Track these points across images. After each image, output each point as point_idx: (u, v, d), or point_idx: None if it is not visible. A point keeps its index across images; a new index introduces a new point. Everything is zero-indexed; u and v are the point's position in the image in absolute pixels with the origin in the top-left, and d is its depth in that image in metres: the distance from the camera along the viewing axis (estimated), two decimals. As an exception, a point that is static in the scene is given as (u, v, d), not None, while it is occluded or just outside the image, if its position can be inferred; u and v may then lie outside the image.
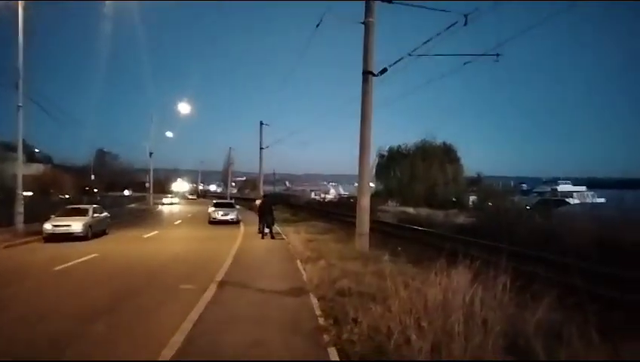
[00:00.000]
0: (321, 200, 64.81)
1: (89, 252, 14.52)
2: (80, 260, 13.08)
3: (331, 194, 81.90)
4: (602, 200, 34.54)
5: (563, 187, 57.37)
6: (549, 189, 59.17)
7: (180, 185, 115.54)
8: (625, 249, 11.75)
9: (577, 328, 4.15)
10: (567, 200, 43.94)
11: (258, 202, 23.51)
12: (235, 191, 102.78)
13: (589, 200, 43.29)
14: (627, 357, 3.76)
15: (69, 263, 12.48)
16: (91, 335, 6.08)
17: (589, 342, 3.96)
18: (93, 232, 19.31)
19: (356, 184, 15.01)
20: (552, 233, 15.22)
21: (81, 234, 18.20)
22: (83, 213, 19.83)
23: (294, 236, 18.14)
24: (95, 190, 57.52)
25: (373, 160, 46.74)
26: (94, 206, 21.78)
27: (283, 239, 18.62)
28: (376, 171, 49.99)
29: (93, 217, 19.89)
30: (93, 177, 61.06)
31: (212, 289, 8.76)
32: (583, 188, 55.94)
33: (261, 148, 42.30)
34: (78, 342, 5.80)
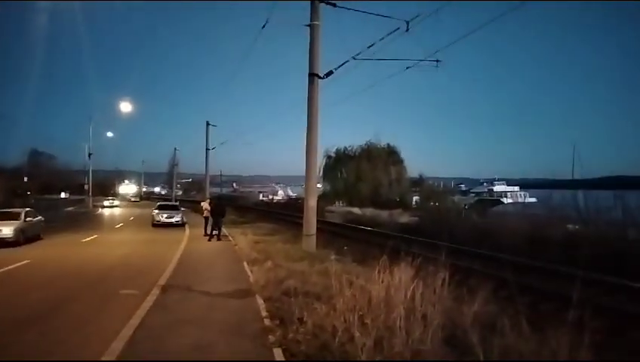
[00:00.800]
0: (269, 201, 64.56)
1: (21, 258, 13.67)
2: (10, 267, 12.29)
3: (279, 196, 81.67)
4: (534, 199, 36.83)
5: (498, 187, 60.55)
6: (485, 190, 62.22)
7: (127, 188, 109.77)
8: (552, 244, 12.59)
9: (510, 319, 4.41)
10: (502, 199, 46.45)
11: (204, 204, 23.06)
12: (180, 192, 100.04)
13: (521, 199, 45.99)
14: (554, 345, 4.03)
15: (-2, 270, 11.71)
16: (21, 345, 5.76)
17: (521, 332, 4.22)
18: (26, 237, 18.25)
19: (304, 185, 15.10)
20: (487, 231, 16.02)
21: (12, 240, 17.14)
22: (14, 216, 18.66)
23: (241, 238, 18.01)
24: (28, 193, 54.07)
25: (320, 161, 47.16)
26: (27, 209, 20.57)
27: (229, 241, 18.41)
28: (323, 172, 50.48)
29: (25, 221, 18.79)
30: (26, 179, 57.32)
31: (155, 293, 8.53)
32: (517, 188, 59.33)
33: (207, 149, 41.49)
34: (7, 352, 5.48)
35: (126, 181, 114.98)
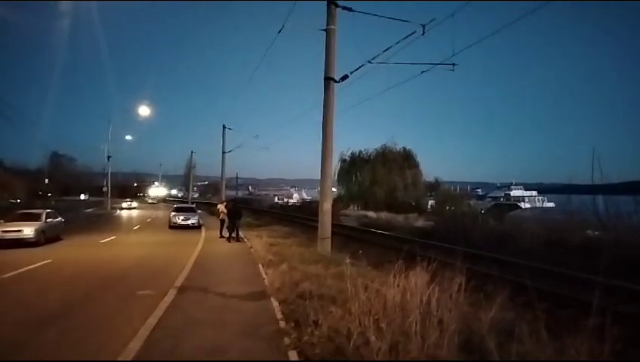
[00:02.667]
0: (284, 204, 64.79)
1: (42, 258, 13.95)
2: (32, 266, 12.55)
3: (294, 199, 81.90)
4: (552, 204, 36.31)
5: (515, 192, 59.83)
6: (502, 194, 61.51)
7: (157, 190, 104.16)
8: (571, 250, 12.39)
9: (528, 325, 4.35)
10: (519, 204, 45.83)
11: (220, 206, 23.26)
12: (196, 195, 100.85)
13: (539, 204, 45.36)
14: (572, 353, 3.98)
15: (20, 270, 11.95)
16: (41, 343, 5.87)
17: (539, 339, 4.16)
18: (47, 238, 18.62)
19: (319, 188, 15.12)
20: (505, 235, 15.82)
21: (33, 240, 17.51)
22: (35, 217, 19.08)
23: (256, 240, 18.08)
24: (49, 194, 55.17)
25: (335, 165, 47.10)
26: (48, 210, 20.98)
27: (245, 243, 18.50)
28: (338, 176, 50.39)
29: (46, 222, 19.18)
30: (47, 181, 58.47)
31: (171, 294, 8.61)
32: (534, 193, 58.55)
33: (224, 152, 41.80)
34: (27, 350, 5.60)
35: (155, 183, 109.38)
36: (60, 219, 21.58)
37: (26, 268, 12.25)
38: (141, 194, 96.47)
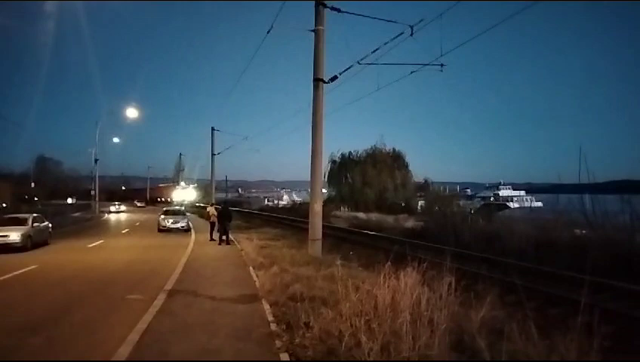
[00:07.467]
0: (275, 206, 64.65)
1: (28, 263, 13.75)
2: (18, 272, 12.36)
3: (284, 200, 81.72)
4: (540, 204, 36.72)
5: (504, 192, 60.46)
6: (491, 194, 62.10)
7: (185, 193, 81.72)
8: (559, 248, 12.52)
9: (518, 324, 4.38)
10: (507, 204, 46.31)
11: (210, 209, 23.15)
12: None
13: (527, 204, 45.89)
14: (562, 350, 4.01)
15: (6, 276, 11.77)
16: (28, 349, 5.79)
17: (529, 337, 4.19)
18: (34, 243, 18.39)
19: (309, 190, 15.11)
20: (493, 235, 15.94)
21: (20, 245, 17.28)
22: (22, 222, 18.82)
23: (247, 243, 18.01)
24: (36, 198, 54.44)
25: (325, 166, 47.12)
26: (34, 215, 20.69)
27: (235, 246, 18.42)
28: (328, 177, 50.40)
29: (33, 227, 18.94)
30: (33, 185, 57.72)
31: (161, 298, 8.54)
32: (522, 192, 59.26)
33: (213, 155, 41.66)
34: (14, 356, 5.53)
35: (182, 183, 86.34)
36: (47, 223, 21.32)
37: (12, 274, 12.06)
38: (166, 200, 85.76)
